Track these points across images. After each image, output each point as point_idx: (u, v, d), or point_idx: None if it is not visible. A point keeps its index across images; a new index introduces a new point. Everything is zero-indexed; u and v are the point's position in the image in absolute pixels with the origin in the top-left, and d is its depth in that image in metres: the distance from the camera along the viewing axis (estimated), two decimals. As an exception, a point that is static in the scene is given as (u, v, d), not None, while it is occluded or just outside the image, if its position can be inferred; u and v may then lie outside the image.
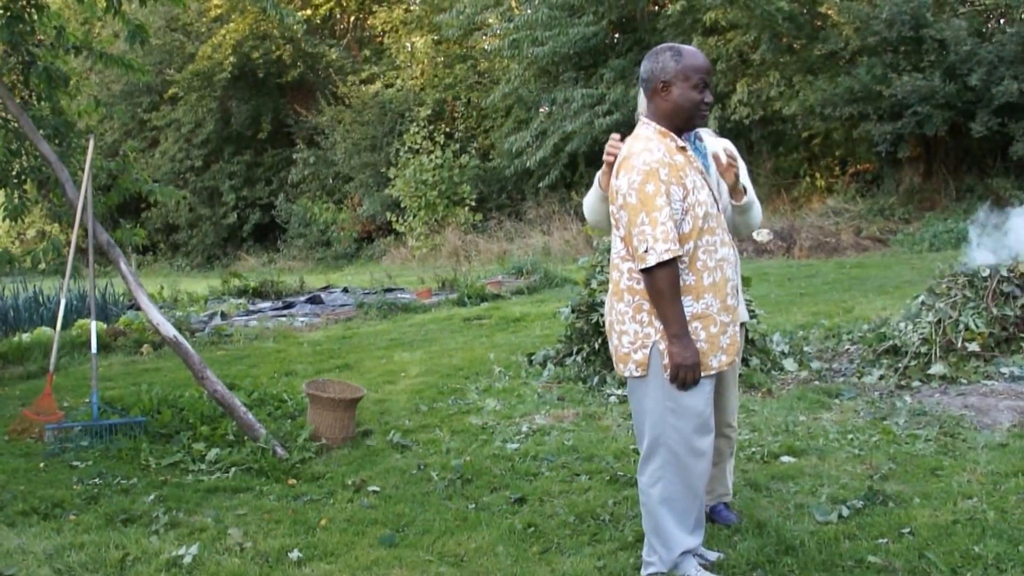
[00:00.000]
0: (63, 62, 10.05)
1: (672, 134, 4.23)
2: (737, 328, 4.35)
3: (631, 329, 4.23)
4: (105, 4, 9.11)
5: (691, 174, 4.17)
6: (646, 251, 4.02)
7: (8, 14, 9.28)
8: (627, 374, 4.29)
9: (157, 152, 32.83)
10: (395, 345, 11.63)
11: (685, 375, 4.09)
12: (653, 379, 4.19)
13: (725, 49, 22.21)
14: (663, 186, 4.06)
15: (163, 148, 32.81)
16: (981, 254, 8.29)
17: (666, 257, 4.00)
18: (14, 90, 9.56)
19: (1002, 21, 20.32)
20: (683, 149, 4.23)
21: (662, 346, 4.14)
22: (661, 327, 4.13)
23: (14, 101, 8.62)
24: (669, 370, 4.12)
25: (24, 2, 9.42)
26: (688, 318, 4.12)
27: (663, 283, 4.04)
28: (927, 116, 18.96)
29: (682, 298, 4.11)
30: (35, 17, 9.56)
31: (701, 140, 4.62)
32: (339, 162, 30.15)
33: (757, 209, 4.90)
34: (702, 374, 4.15)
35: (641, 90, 4.38)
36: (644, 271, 4.07)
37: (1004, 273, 8.04)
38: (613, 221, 4.33)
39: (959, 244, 9.23)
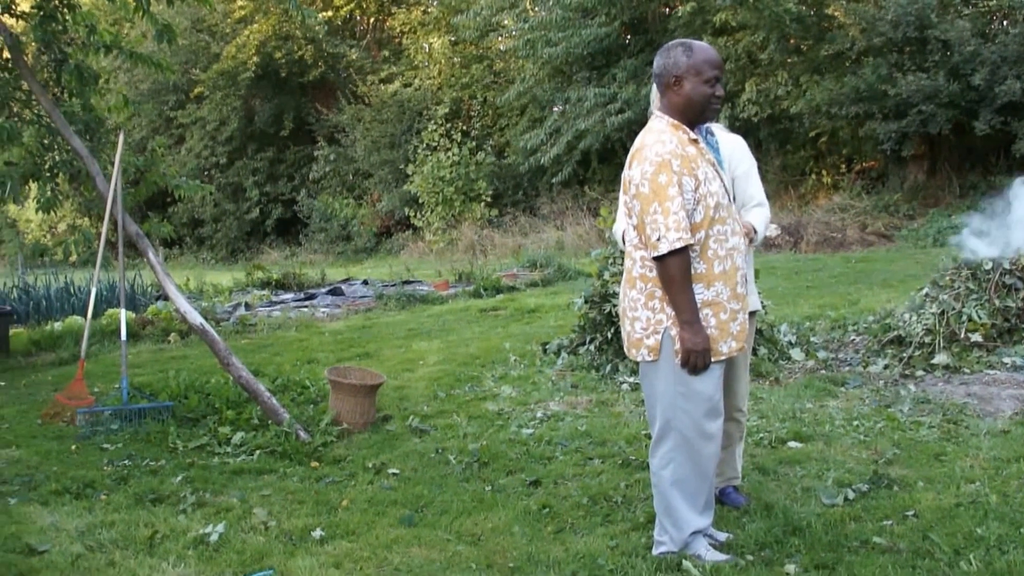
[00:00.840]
0: (94, 60, 10.09)
1: (685, 127, 4.23)
2: (747, 315, 4.34)
3: (643, 315, 4.23)
4: (134, 4, 9.14)
5: (703, 165, 4.17)
6: (658, 239, 4.03)
7: (41, 13, 9.32)
8: (639, 359, 4.30)
9: (183, 149, 32.88)
10: (413, 335, 11.64)
11: (696, 360, 4.10)
12: (665, 364, 4.20)
13: (734, 49, 22.15)
14: (675, 176, 4.06)
15: (189, 145, 32.86)
16: (979, 244, 8.28)
17: (678, 245, 4.00)
18: (47, 87, 9.59)
19: (1005, 22, 20.17)
20: (695, 141, 4.23)
21: (673, 332, 4.15)
22: (673, 313, 4.14)
23: (47, 97, 8.66)
24: (680, 355, 4.13)
25: (56, 2, 9.46)
26: (699, 305, 4.13)
27: (675, 271, 4.05)
28: (931, 115, 18.88)
29: (693, 285, 4.11)
30: (67, 17, 9.60)
31: (713, 135, 4.63)
32: (359, 159, 30.16)
33: (767, 213, 4.93)
34: (712, 359, 4.16)
35: (655, 85, 4.39)
36: (656, 259, 4.08)
37: (1006, 266, 8.03)
38: (626, 211, 4.34)
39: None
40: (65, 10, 9.53)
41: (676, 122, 4.24)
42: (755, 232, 4.77)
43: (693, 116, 4.26)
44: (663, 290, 4.15)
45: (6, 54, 9.56)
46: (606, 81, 24.09)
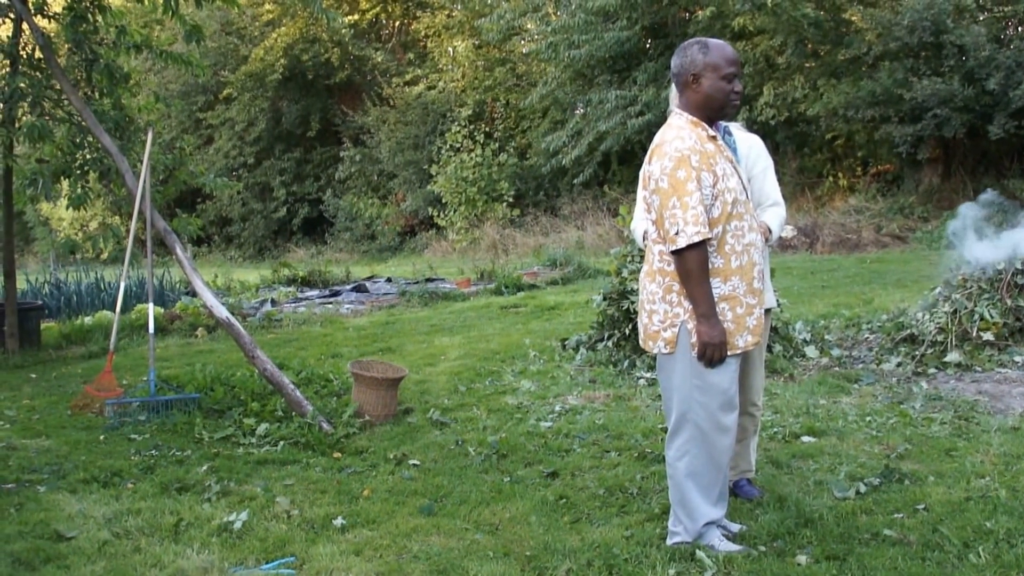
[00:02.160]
0: (125, 61, 10.15)
1: (703, 124, 4.22)
2: (763, 310, 4.32)
3: (661, 308, 4.22)
4: (163, 4, 9.18)
5: (721, 162, 4.16)
6: (677, 233, 4.02)
7: (72, 14, 9.38)
8: (656, 351, 4.29)
9: (212, 149, 33.00)
10: (435, 330, 11.66)
11: (712, 353, 4.09)
12: (681, 356, 4.19)
13: (753, 53, 22.10)
14: (694, 172, 4.05)
15: (217, 145, 32.99)
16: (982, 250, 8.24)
17: (696, 239, 3.99)
18: (78, 86, 9.65)
19: (1020, 28, 20.10)
20: (714, 138, 4.22)
21: (690, 325, 4.13)
22: (690, 307, 4.13)
23: (78, 96, 8.71)
24: (696, 348, 4.12)
25: (87, 3, 9.52)
26: (716, 299, 4.12)
27: (692, 264, 4.04)
28: (946, 119, 18.79)
29: (710, 280, 4.10)
30: (98, 17, 9.66)
31: (731, 134, 4.62)
32: (384, 160, 30.20)
33: (782, 213, 4.92)
34: (728, 353, 4.15)
35: (673, 84, 4.38)
36: (674, 253, 4.07)
37: (1019, 266, 7.98)
38: (645, 206, 4.33)
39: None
40: (96, 11, 9.60)
41: (695, 119, 4.23)
42: (770, 231, 4.76)
43: (712, 113, 4.26)
44: (681, 284, 4.14)
45: (39, 54, 9.63)
46: (627, 84, 24.09)
